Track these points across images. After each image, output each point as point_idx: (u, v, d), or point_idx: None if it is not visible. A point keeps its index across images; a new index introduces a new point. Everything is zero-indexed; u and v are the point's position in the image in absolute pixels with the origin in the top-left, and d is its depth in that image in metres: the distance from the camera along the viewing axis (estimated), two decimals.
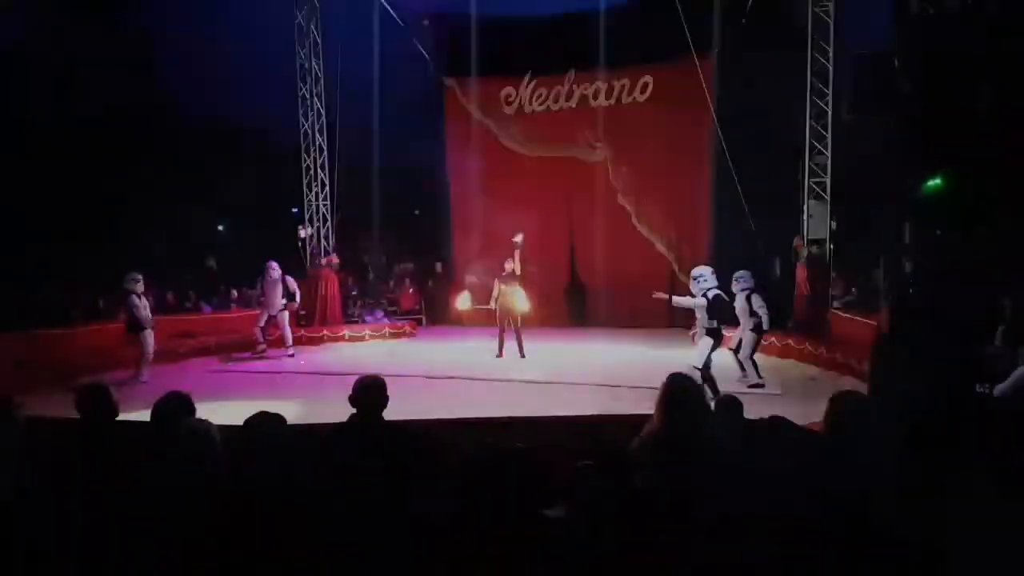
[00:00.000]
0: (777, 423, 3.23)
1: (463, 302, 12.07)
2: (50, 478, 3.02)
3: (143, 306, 9.34)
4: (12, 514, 2.78)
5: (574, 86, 14.53)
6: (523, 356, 10.59)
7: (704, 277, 7.84)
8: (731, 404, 3.94)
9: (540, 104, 14.73)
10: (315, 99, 14.12)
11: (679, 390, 3.38)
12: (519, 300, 10.64)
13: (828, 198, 11.54)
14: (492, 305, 10.76)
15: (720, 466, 3.13)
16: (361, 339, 13.32)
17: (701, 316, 7.84)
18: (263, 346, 11.40)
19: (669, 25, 11.92)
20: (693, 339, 8.12)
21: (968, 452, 3.50)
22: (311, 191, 14.32)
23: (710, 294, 7.69)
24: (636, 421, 3.74)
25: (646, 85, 14.08)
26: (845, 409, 3.05)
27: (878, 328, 7.01)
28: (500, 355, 10.72)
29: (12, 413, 3.55)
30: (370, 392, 3.69)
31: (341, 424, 3.74)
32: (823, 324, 10.81)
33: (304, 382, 9.38)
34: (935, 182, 8.72)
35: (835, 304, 11.18)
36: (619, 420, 5.53)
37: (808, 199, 11.72)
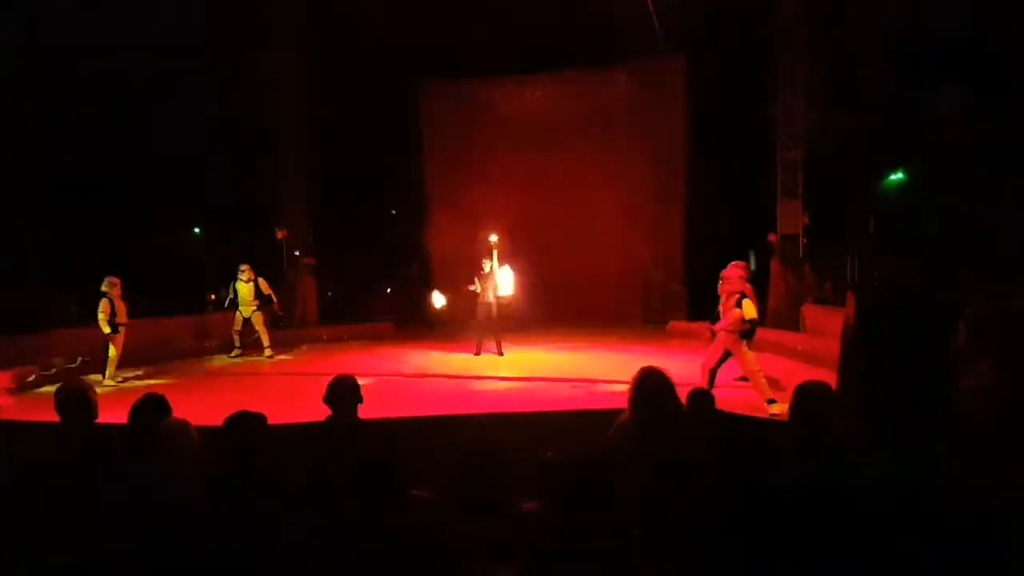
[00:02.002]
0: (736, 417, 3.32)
1: (437, 300, 11.94)
2: (32, 481, 3.02)
3: (108, 311, 9.16)
4: None
5: (549, 85, 14.60)
6: (501, 354, 10.64)
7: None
8: (702, 397, 4.03)
9: (514, 103, 14.75)
10: (293, 100, 14.03)
11: (651, 384, 3.46)
12: (503, 284, 10.67)
13: (800, 193, 11.75)
14: (474, 287, 10.78)
15: (691, 456, 3.21)
16: (339, 340, 13.31)
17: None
18: (238, 350, 11.36)
19: (643, 24, 12.05)
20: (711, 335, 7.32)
21: (935, 448, 3.61)
22: (287, 193, 14.25)
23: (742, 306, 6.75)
24: (611, 414, 3.83)
25: (620, 84, 14.18)
26: (809, 400, 3.14)
27: (846, 319, 7.08)
28: (478, 353, 10.77)
29: None
30: (344, 391, 3.74)
31: (318, 423, 3.78)
32: (797, 318, 10.99)
33: (282, 383, 9.36)
34: (897, 176, 8.93)
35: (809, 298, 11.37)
36: (594, 414, 5.63)
37: (781, 195, 11.91)
